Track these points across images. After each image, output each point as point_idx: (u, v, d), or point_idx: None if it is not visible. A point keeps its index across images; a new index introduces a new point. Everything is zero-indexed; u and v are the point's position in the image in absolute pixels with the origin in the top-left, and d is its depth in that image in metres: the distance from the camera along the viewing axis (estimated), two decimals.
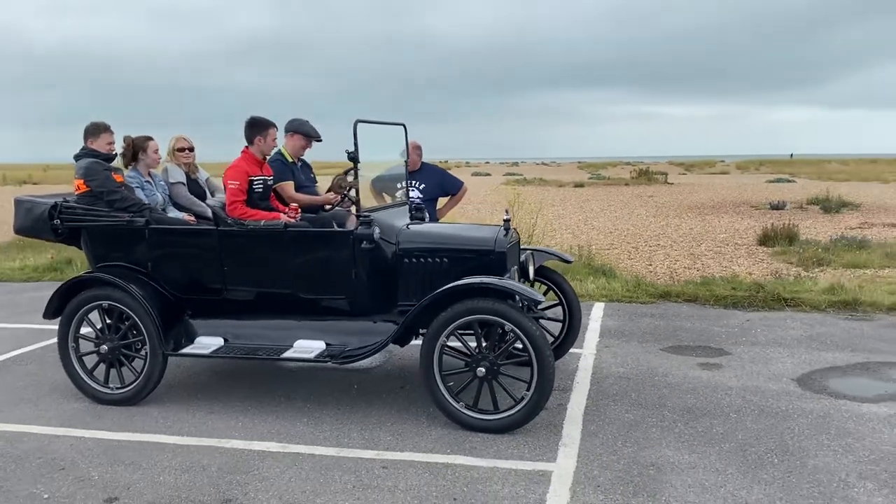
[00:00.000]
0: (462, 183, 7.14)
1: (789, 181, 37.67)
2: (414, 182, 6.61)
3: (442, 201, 7.17)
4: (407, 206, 5.70)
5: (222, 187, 5.98)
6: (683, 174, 52.74)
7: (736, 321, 7.26)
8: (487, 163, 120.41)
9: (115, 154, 5.38)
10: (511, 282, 4.61)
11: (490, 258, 4.88)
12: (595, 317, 7.48)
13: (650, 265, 11.50)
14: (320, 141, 5.70)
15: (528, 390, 4.41)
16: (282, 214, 5.11)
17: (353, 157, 4.80)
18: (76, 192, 5.23)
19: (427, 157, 6.98)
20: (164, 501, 3.72)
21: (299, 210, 5.12)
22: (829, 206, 19.87)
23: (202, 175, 5.89)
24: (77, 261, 10.84)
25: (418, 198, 6.54)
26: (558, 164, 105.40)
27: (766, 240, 13.45)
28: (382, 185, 6.64)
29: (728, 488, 3.75)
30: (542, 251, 5.79)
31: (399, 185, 6.36)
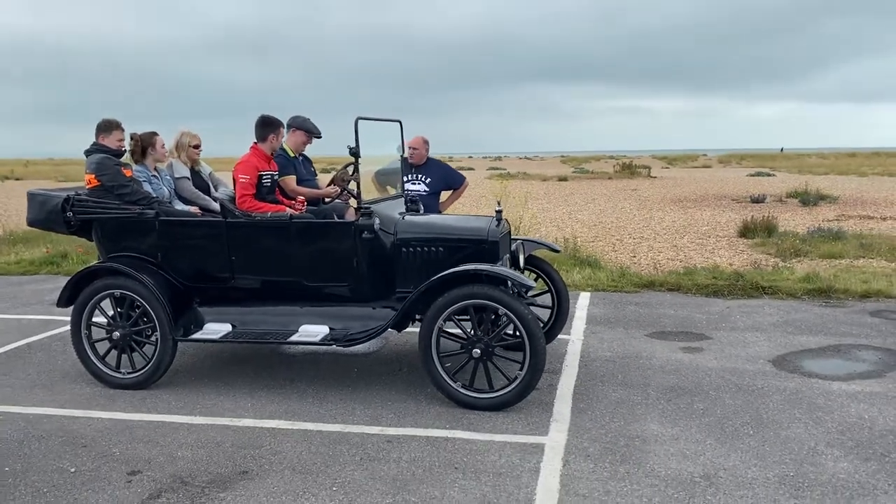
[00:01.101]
0: (464, 177, 7.35)
1: (770, 175, 38.27)
2: (420, 175, 6.91)
3: (445, 195, 7.39)
4: (403, 199, 5.97)
5: (224, 181, 6.23)
6: (666, 168, 53.33)
7: (716, 308, 7.61)
8: (470, 157, 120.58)
9: (125, 150, 5.61)
10: (504, 268, 4.91)
11: (483, 247, 5.16)
12: (581, 305, 7.79)
13: (634, 257, 11.84)
14: (320, 137, 5.96)
15: (521, 370, 4.71)
16: (287, 208, 5.37)
17: (355, 153, 5.06)
18: (87, 187, 5.46)
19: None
20: (184, 474, 3.98)
21: (306, 203, 5.38)
22: (808, 199, 20.35)
23: (205, 169, 6.13)
24: (73, 254, 11.03)
25: (424, 191, 6.81)
26: (541, 159, 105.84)
27: (746, 232, 13.84)
28: (386, 178, 6.88)
29: (707, 456, 4.07)
30: (531, 241, 6.09)
31: (402, 178, 6.59)
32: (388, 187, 6.71)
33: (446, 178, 7.15)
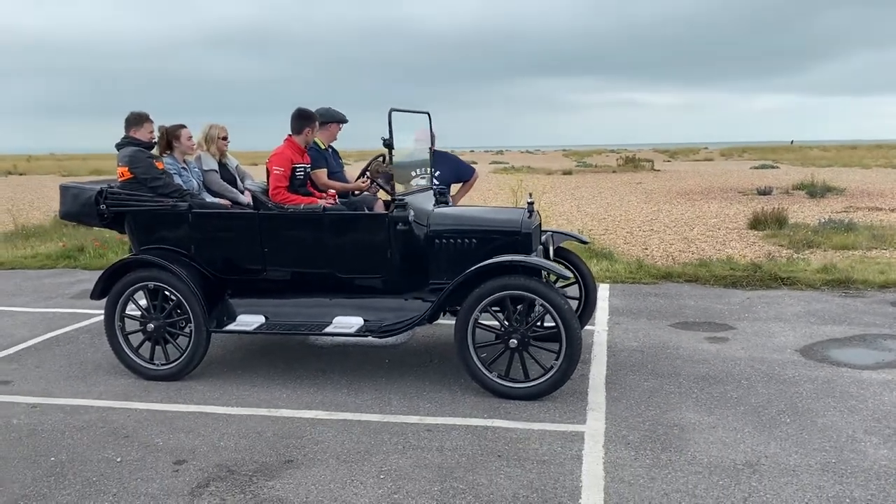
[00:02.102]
0: (474, 169, 7.36)
1: (773, 167, 38.29)
2: (426, 169, 6.86)
3: (455, 188, 7.41)
4: (432, 191, 6.00)
5: (250, 173, 6.26)
6: (668, 161, 53.32)
7: (736, 299, 7.65)
8: (472, 151, 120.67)
9: (155, 142, 5.64)
10: (541, 259, 4.95)
11: (517, 238, 5.19)
12: (602, 297, 7.82)
13: (646, 249, 11.87)
14: (347, 122, 5.99)
15: (557, 360, 4.75)
16: (320, 200, 5.40)
17: (389, 144, 5.08)
18: (120, 179, 5.48)
19: None
20: (230, 463, 4.02)
21: (336, 196, 5.41)
22: (815, 191, 20.37)
23: (232, 162, 6.15)
24: (90, 248, 11.06)
25: (434, 185, 6.79)
26: (543, 153, 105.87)
27: (756, 224, 13.87)
28: (399, 171, 6.89)
29: (747, 444, 4.11)
30: (560, 233, 6.13)
31: (413, 173, 6.60)
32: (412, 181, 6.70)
33: (456, 171, 7.07)
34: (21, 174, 45.23)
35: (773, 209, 14.18)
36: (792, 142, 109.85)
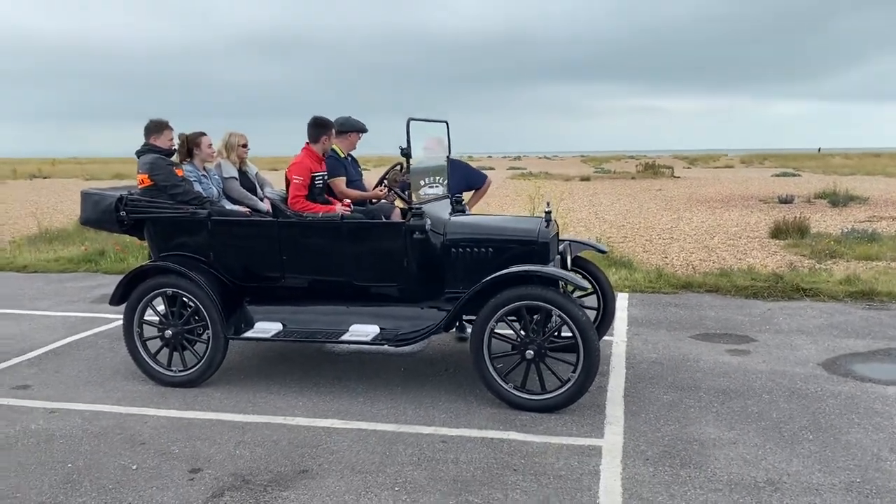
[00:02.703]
0: (486, 176, 7.17)
1: (795, 175, 37.89)
2: (440, 178, 6.81)
3: (467, 195, 7.27)
4: (449, 199, 5.97)
5: (269, 181, 6.27)
6: (688, 168, 52.98)
7: (758, 310, 7.55)
8: (490, 157, 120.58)
9: (175, 150, 5.67)
10: (558, 269, 4.90)
11: (533, 248, 5.15)
12: (621, 306, 7.74)
13: (666, 258, 11.77)
14: (367, 131, 5.99)
15: (574, 372, 4.70)
16: (337, 206, 5.40)
17: (406, 153, 5.07)
18: (140, 186, 5.51)
19: None
20: (245, 472, 4.01)
21: (351, 205, 5.41)
22: (837, 200, 20.12)
23: (251, 169, 6.17)
24: (111, 252, 11.14)
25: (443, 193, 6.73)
26: (561, 158, 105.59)
27: (778, 233, 13.71)
28: (416, 180, 6.85)
29: (769, 461, 4.04)
30: (578, 242, 6.07)
31: (422, 182, 6.55)
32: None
33: (467, 179, 6.92)
34: (45, 177, 45.81)
35: (794, 218, 14.02)
36: (819, 149, 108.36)
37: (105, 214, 5.50)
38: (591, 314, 5.97)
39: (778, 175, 38.31)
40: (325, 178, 5.55)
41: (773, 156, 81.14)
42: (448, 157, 6.28)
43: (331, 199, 5.68)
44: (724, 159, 74.96)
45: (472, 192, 7.09)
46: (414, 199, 5.25)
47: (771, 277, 8.67)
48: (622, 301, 8.01)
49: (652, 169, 41.42)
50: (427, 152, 6.32)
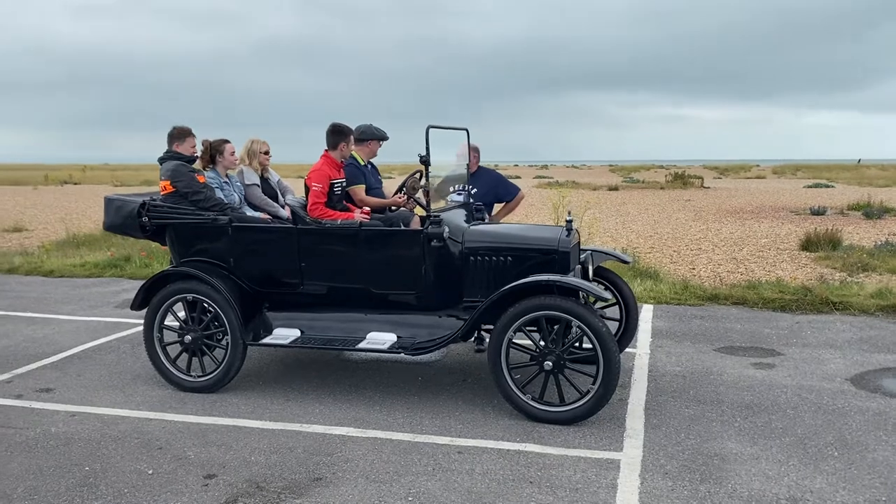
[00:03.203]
0: (518, 190, 7.00)
1: (828, 186, 37.26)
2: (468, 185, 6.73)
3: (497, 207, 7.13)
4: (469, 207, 5.94)
5: (291, 188, 6.29)
6: (718, 178, 52.39)
7: (785, 323, 7.39)
8: (516, 165, 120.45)
9: (197, 156, 5.71)
10: (578, 279, 4.83)
11: (553, 257, 5.09)
12: (645, 318, 7.64)
13: (693, 269, 11.61)
14: (388, 139, 5.99)
15: (593, 384, 4.62)
16: (356, 214, 5.39)
17: (425, 161, 5.05)
18: (162, 193, 5.56)
19: None
20: (259, 479, 4.00)
21: (370, 212, 5.40)
22: (872, 212, 19.71)
23: (273, 176, 6.20)
24: (136, 258, 11.28)
25: (470, 201, 6.65)
26: (588, 167, 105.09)
27: (808, 245, 13.46)
28: (439, 187, 6.80)
29: (791, 477, 3.93)
30: (600, 251, 5.99)
31: (451, 189, 6.51)
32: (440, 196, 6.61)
33: (496, 190, 6.78)
34: (76, 184, 46.68)
35: (826, 230, 13.76)
36: (860, 160, 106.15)
37: (127, 220, 5.55)
38: (613, 325, 5.90)
39: (811, 186, 37.71)
40: (344, 185, 5.54)
41: (807, 166, 79.92)
42: (469, 165, 6.24)
43: (350, 206, 5.68)
44: (756, 170, 73.99)
45: (501, 205, 6.95)
46: (432, 206, 5.22)
47: (800, 290, 8.49)
48: (646, 312, 7.90)
49: (681, 179, 41.00)
50: (460, 159, 6.28)
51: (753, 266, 11.77)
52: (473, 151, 6.69)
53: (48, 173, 60.33)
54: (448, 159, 6.54)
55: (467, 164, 6.30)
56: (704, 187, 37.58)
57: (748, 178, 55.24)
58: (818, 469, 4.03)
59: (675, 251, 13.81)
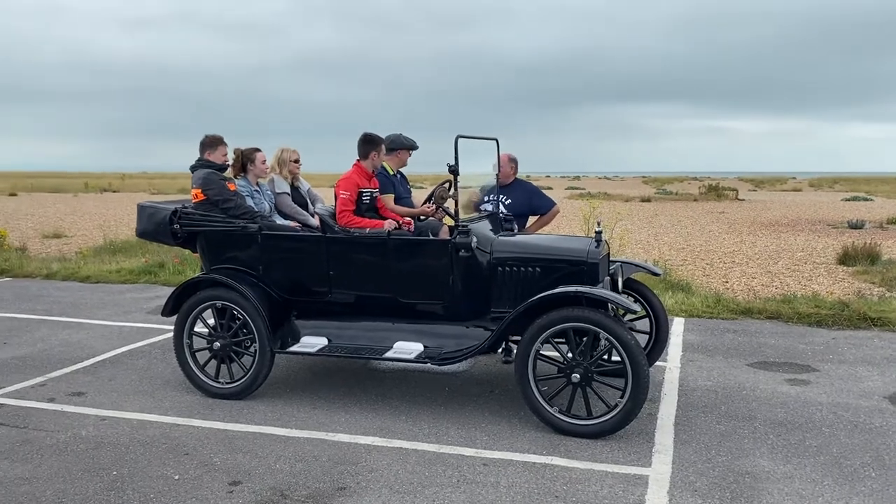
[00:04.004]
0: (553, 203, 6.85)
1: (867, 199, 36.53)
2: (501, 196, 6.54)
3: (531, 219, 7.01)
4: (498, 218, 5.91)
5: (321, 197, 6.33)
6: (753, 191, 51.71)
7: (821, 339, 7.22)
8: (548, 176, 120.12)
9: (228, 165, 5.77)
10: (607, 291, 4.77)
11: (582, 268, 5.04)
12: (676, 332, 7.53)
13: (727, 282, 11.44)
14: (417, 148, 6.00)
15: (622, 398, 4.55)
16: (386, 222, 5.37)
17: (454, 171, 5.04)
18: (194, 201, 5.62)
19: None
20: (283, 487, 4.00)
21: (412, 222, 5.41)
22: None
23: (304, 185, 6.24)
24: (169, 264, 11.43)
25: (502, 213, 6.59)
26: (621, 179, 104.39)
27: (846, 259, 13.21)
28: (465, 197, 6.75)
29: (826, 497, 3.82)
30: (630, 263, 5.91)
31: (486, 198, 6.47)
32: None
33: (530, 202, 6.67)
34: (114, 191, 47.61)
35: (864, 244, 13.48)
36: None
37: (160, 227, 5.62)
38: (643, 338, 5.81)
39: (848, 199, 37.00)
40: (374, 194, 5.55)
41: (845, 179, 78.48)
42: (498, 176, 6.21)
43: (388, 213, 5.66)
44: (792, 182, 72.88)
45: (535, 218, 6.82)
46: (461, 216, 5.20)
47: (836, 305, 8.29)
48: (678, 326, 7.78)
49: (715, 191, 40.53)
50: (495, 169, 6.23)
51: (788, 280, 11.56)
52: (511, 162, 6.63)
53: (88, 181, 61.66)
54: (478, 170, 6.51)
55: (497, 175, 6.27)
56: (739, 199, 37.09)
57: (784, 190, 54.41)
58: (854, 490, 3.91)
59: (707, 264, 13.63)
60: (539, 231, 6.88)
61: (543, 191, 7.18)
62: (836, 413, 5.09)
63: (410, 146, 5.89)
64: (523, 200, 6.66)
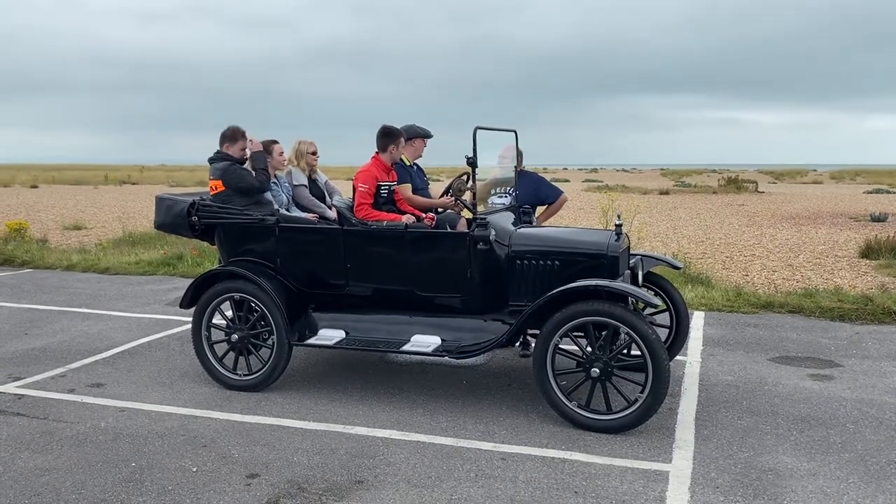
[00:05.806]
0: (561, 192, 6.83)
1: (889, 192, 36.02)
2: (508, 188, 6.49)
3: (539, 209, 6.99)
4: (517, 210, 5.86)
5: (338, 189, 6.30)
6: (773, 183, 51.18)
7: (844, 334, 7.12)
8: (565, 169, 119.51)
9: (246, 158, 5.75)
10: (628, 285, 4.71)
11: (602, 262, 4.98)
12: (696, 325, 7.45)
13: (747, 275, 11.31)
14: (432, 136, 5.96)
15: (642, 393, 4.50)
16: (405, 217, 5.34)
17: (472, 163, 4.99)
18: (212, 192, 5.62)
19: None
20: (301, 480, 3.99)
21: (434, 217, 5.38)
22: None
23: (321, 177, 6.21)
24: (188, 256, 11.48)
25: (510, 204, 6.55)
26: (639, 171, 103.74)
27: (869, 252, 13.00)
28: (482, 190, 6.72)
29: (851, 496, 3.75)
30: (651, 257, 5.83)
31: (492, 191, 6.42)
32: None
33: (537, 192, 6.61)
34: (134, 184, 47.98)
35: (888, 237, 13.26)
36: None
37: (178, 219, 5.63)
38: (663, 332, 5.75)
39: (871, 192, 36.51)
40: (392, 187, 5.52)
41: (867, 171, 77.49)
42: (517, 167, 6.16)
43: (408, 208, 5.64)
44: (813, 175, 72.08)
45: (544, 207, 6.80)
46: (480, 209, 5.16)
47: (860, 299, 8.17)
48: (698, 320, 7.70)
49: (735, 183, 40.13)
50: (501, 161, 6.20)
51: (810, 273, 11.41)
52: (517, 153, 6.60)
53: (108, 173, 62.16)
54: (494, 162, 6.46)
55: (515, 167, 6.21)
56: (759, 192, 36.70)
57: (804, 182, 53.81)
58: (880, 488, 3.84)
59: (727, 257, 13.48)
60: (549, 220, 6.84)
61: (559, 184, 7.12)
62: (860, 409, 5.01)
63: (425, 134, 5.86)
64: (530, 191, 6.59)
